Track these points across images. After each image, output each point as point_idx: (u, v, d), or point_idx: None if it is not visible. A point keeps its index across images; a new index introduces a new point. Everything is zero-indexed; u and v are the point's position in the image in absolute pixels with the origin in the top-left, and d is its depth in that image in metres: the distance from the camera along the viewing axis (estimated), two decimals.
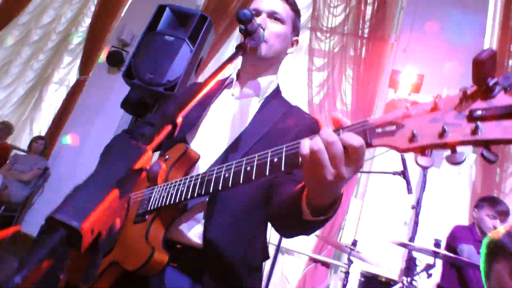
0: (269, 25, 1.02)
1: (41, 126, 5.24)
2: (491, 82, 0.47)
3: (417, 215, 3.20)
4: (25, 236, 4.24)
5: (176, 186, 0.81)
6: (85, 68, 5.10)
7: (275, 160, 0.65)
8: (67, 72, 5.44)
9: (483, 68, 0.47)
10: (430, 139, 0.50)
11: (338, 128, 0.60)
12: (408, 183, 2.17)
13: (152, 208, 0.83)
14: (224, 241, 0.84)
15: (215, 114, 1.05)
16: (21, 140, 5.20)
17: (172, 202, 0.80)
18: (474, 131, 0.47)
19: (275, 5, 1.05)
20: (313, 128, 1.00)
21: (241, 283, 0.87)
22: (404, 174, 2.16)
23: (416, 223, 3.20)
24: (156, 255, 0.77)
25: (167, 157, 0.93)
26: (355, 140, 0.54)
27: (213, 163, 0.91)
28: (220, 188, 0.73)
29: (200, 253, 0.84)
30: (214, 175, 0.75)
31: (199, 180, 0.77)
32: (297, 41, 1.14)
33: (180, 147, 0.93)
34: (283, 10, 1.06)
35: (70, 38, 5.51)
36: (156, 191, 0.86)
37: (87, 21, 5.56)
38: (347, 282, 2.62)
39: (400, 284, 1.94)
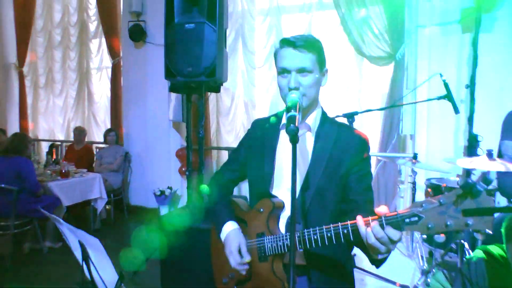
0: (301, 81, 1.13)
1: (102, 116, 5.73)
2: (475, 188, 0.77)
3: (472, 93, 3.10)
4: (135, 207, 5.18)
5: (281, 240, 1.12)
6: (113, 51, 5.24)
7: (345, 232, 0.97)
8: (100, 58, 5.64)
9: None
10: (440, 228, 0.83)
11: (380, 216, 0.89)
12: (454, 104, 2.26)
13: (270, 253, 1.16)
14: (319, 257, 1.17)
15: (282, 159, 1.24)
16: (95, 135, 5.79)
17: (282, 251, 1.12)
18: (467, 224, 0.80)
19: (301, 61, 1.12)
20: (362, 149, 1.20)
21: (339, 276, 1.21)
22: (448, 97, 2.23)
23: (473, 101, 3.10)
24: (285, 285, 1.12)
25: (261, 210, 1.20)
26: (397, 235, 0.87)
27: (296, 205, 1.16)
28: (313, 246, 1.04)
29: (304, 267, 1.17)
30: (306, 237, 1.04)
31: (300, 238, 1.05)
32: (326, 70, 1.22)
33: (267, 203, 1.19)
34: (309, 61, 1.13)
35: None
36: (267, 241, 1.16)
37: (93, 1, 5.48)
38: (415, 191, 2.96)
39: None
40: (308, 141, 1.22)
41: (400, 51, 3.55)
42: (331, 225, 0.99)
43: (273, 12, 4.30)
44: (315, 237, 1.02)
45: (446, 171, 2.89)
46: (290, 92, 1.12)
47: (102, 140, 5.16)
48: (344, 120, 2.37)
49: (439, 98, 2.24)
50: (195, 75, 2.53)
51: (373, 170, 3.78)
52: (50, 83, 6.06)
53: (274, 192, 1.24)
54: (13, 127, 6.37)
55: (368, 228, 0.89)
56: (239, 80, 4.56)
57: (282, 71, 1.15)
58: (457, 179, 3.06)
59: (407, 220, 0.85)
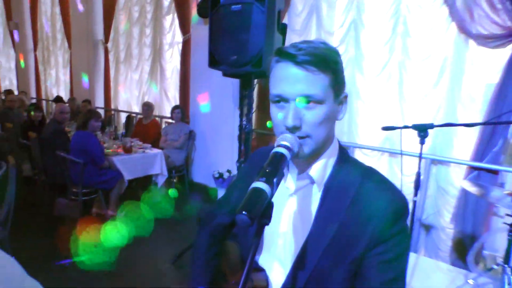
0: (305, 116, 0.73)
1: (173, 92, 5.86)
2: None
3: None
4: (197, 185, 5.29)
5: None
6: (184, 27, 5.21)
7: None
8: (172, 35, 5.69)
9: None
10: None
11: None
12: None
13: None
14: None
15: (279, 214, 0.86)
16: (165, 111, 6.00)
17: None
18: None
19: (306, 85, 0.71)
20: (393, 219, 0.74)
21: None
22: None
23: None
24: None
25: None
26: None
27: (283, 284, 0.82)
28: None
29: None
30: None
31: None
32: (346, 96, 0.80)
33: (261, 280, 0.86)
34: (319, 86, 0.72)
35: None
36: None
37: None
38: None
39: None
40: (313, 196, 0.82)
41: None
42: None
43: None
44: None
45: None
46: (281, 137, 0.73)
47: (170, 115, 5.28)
48: (414, 134, 1.85)
49: None
50: (241, 65, 2.27)
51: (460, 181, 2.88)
52: (128, 58, 6.38)
53: (261, 259, 0.89)
54: (99, 98, 6.99)
55: None
56: None
57: (277, 99, 0.76)
58: None
59: None
